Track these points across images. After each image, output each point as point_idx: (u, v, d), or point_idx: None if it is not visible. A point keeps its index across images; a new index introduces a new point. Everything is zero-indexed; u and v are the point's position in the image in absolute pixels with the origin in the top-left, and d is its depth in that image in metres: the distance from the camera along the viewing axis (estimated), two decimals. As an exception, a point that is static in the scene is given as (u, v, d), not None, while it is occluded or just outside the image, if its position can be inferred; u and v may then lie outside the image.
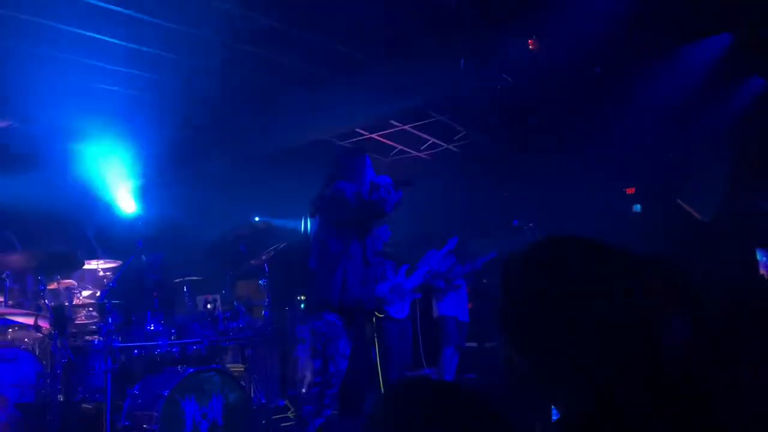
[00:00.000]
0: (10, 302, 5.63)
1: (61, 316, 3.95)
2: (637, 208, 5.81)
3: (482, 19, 4.62)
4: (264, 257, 5.06)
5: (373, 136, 7.10)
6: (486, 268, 6.06)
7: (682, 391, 1.02)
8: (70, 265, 4.55)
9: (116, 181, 7.71)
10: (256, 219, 6.73)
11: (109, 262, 4.97)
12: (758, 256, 5.92)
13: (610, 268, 1.07)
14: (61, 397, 4.14)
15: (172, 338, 4.32)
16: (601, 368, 1.03)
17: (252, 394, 4.85)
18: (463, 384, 1.20)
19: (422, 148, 7.55)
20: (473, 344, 6.79)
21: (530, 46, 4.56)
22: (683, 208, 6.22)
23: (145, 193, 7.18)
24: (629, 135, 5.76)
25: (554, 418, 1.14)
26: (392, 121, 6.68)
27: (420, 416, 1.15)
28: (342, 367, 3.50)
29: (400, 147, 7.58)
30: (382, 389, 5.06)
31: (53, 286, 6.05)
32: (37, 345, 5.69)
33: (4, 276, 5.55)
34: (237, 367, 5.48)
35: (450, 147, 7.44)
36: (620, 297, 1.04)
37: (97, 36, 4.76)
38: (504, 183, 6.79)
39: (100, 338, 4.03)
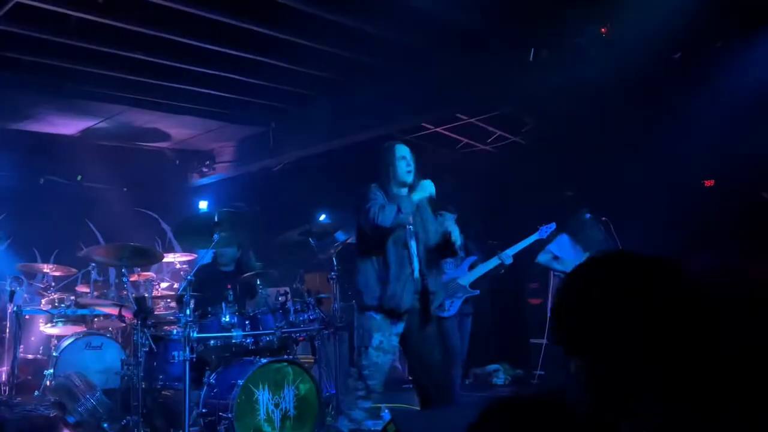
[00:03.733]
0: (95, 293, 5.98)
1: (143, 307, 4.13)
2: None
3: (553, 7, 4.51)
4: (332, 251, 5.13)
5: (438, 129, 7.06)
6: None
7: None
8: (150, 259, 4.76)
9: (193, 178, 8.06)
10: (322, 217, 6.83)
11: (186, 255, 5.17)
12: None
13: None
14: (143, 384, 4.34)
15: (247, 329, 4.44)
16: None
17: (321, 385, 4.95)
18: (560, 400, 1.18)
19: (489, 141, 7.45)
20: (540, 340, 6.68)
21: (603, 34, 4.41)
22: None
23: (220, 189, 7.46)
24: (709, 124, 5.49)
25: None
26: (458, 114, 6.62)
27: None
28: (378, 360, 3.48)
29: (466, 140, 7.51)
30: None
31: (134, 278, 6.38)
32: (120, 334, 6.02)
33: (90, 269, 5.90)
34: (307, 358, 5.59)
35: (517, 139, 7.31)
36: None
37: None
38: (574, 175, 6.59)
39: (179, 328, 4.18)
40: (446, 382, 3.65)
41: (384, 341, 3.51)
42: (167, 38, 4.74)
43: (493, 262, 5.33)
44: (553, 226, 5.42)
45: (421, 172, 3.70)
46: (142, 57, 4.95)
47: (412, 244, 3.58)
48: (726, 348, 1.07)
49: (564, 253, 5.55)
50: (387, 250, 3.52)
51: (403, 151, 3.63)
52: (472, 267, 5.40)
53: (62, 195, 7.20)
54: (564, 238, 5.62)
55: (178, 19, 4.52)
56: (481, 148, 7.62)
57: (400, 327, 3.56)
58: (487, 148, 7.60)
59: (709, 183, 6.65)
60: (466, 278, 5.33)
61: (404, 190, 3.60)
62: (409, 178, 3.57)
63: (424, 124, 6.82)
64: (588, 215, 5.42)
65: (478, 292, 5.33)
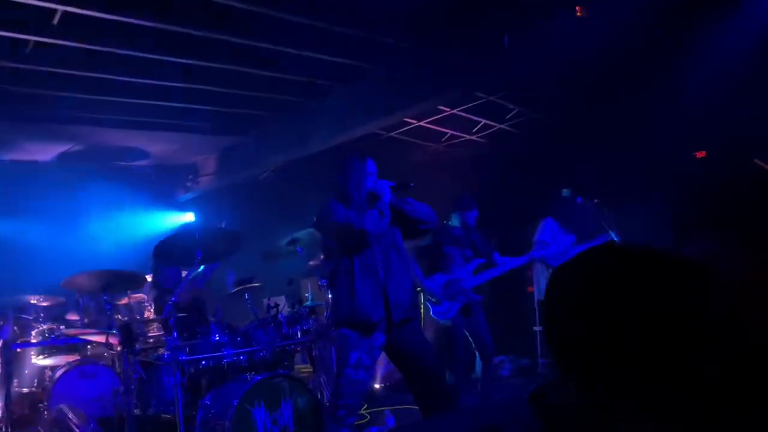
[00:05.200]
0: (85, 320, 5.86)
1: (128, 334, 4.02)
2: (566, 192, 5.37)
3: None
4: (322, 257, 5.03)
5: (422, 123, 6.94)
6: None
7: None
8: (134, 283, 4.64)
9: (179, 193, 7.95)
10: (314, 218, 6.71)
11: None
12: None
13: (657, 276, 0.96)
14: (137, 411, 4.23)
15: (238, 347, 4.34)
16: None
17: (321, 395, 4.85)
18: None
19: (474, 130, 7.33)
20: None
21: (578, 13, 4.28)
22: (762, 167, 5.77)
23: (201, 205, 7.35)
24: (696, 95, 5.38)
25: None
26: (440, 107, 6.50)
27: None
28: (356, 377, 3.39)
29: (452, 132, 7.39)
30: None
31: (124, 301, 6.26)
32: (116, 359, 5.91)
33: (77, 297, 5.79)
34: (305, 368, 5.49)
35: (504, 126, 7.19)
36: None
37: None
38: (565, 157, 6.46)
39: (168, 352, 4.07)
40: (441, 387, 3.55)
41: (362, 357, 3.40)
42: (136, 56, 4.62)
43: (500, 270, 5.16)
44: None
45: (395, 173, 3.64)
46: (110, 76, 4.82)
47: (378, 251, 3.49)
48: (727, 346, 0.95)
49: (554, 238, 5.43)
50: (353, 261, 3.44)
51: (371, 166, 3.60)
52: (477, 271, 5.18)
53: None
54: (550, 222, 5.51)
55: (146, 35, 4.40)
56: (467, 138, 7.51)
57: (379, 339, 3.46)
58: (474, 137, 7.48)
59: (700, 154, 6.57)
60: (470, 281, 5.13)
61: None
62: (375, 196, 3.51)
63: (407, 120, 6.70)
64: (570, 195, 5.25)
65: (481, 298, 5.10)
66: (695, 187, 5.69)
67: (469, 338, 5.01)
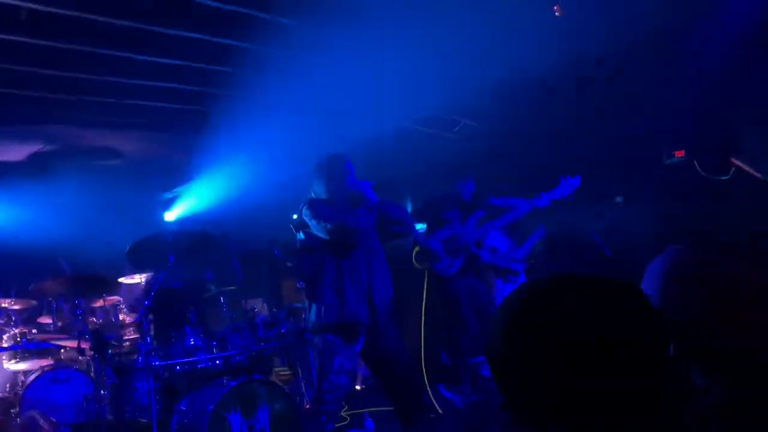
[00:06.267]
0: (58, 323, 5.74)
1: (100, 340, 3.94)
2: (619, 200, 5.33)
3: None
4: (298, 259, 4.96)
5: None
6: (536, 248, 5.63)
7: None
8: (106, 285, 4.55)
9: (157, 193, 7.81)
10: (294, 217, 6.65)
11: (144, 279, 4.96)
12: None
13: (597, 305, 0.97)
14: (110, 417, 4.15)
15: (214, 351, 4.27)
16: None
17: (301, 399, 4.79)
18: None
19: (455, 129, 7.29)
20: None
21: (556, 13, 4.25)
22: (739, 167, 5.80)
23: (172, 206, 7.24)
24: (675, 95, 5.39)
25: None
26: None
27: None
28: (338, 382, 3.37)
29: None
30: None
31: (99, 303, 6.14)
32: (91, 364, 5.80)
33: (51, 300, 5.66)
34: (284, 371, 5.43)
35: (473, 123, 7.12)
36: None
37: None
38: (541, 157, 6.44)
39: (141, 357, 4.00)
40: (415, 395, 3.52)
41: (344, 363, 3.36)
42: (105, 53, 4.51)
43: (518, 212, 4.97)
44: (578, 180, 5.01)
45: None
46: (78, 75, 4.71)
47: (361, 255, 3.45)
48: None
49: (499, 244, 5.41)
50: (339, 264, 3.39)
51: (350, 165, 3.59)
52: (480, 223, 5.08)
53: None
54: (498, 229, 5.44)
55: (119, 35, 4.30)
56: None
57: (361, 343, 3.42)
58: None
59: (679, 153, 6.59)
60: (473, 234, 5.01)
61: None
62: (357, 195, 3.47)
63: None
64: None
65: (481, 253, 5.06)
66: (673, 187, 5.71)
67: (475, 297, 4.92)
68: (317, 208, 3.43)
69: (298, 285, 5.02)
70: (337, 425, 3.66)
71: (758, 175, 5.39)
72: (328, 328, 3.43)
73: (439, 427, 4.34)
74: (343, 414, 5.29)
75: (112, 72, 4.76)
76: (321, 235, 3.45)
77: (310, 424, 3.64)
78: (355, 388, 6.08)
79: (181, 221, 6.48)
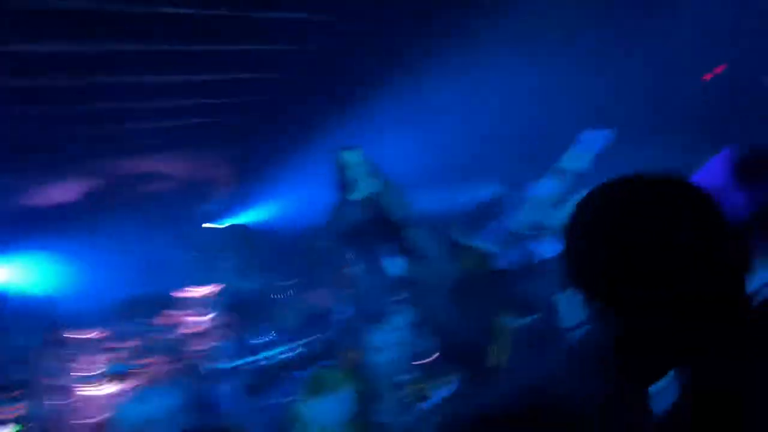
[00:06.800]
0: (128, 345, 5.99)
1: (179, 352, 4.11)
2: None
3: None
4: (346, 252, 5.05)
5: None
6: None
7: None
8: (158, 303, 4.73)
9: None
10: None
11: (206, 287, 5.13)
12: None
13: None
14: (202, 424, 4.32)
15: (288, 344, 4.42)
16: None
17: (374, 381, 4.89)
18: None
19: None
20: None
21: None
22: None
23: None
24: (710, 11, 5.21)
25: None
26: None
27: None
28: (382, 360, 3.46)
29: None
30: None
31: (162, 320, 6.37)
32: (170, 378, 6.02)
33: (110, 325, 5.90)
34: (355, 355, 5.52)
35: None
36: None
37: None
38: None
39: (220, 361, 4.16)
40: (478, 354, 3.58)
41: (387, 338, 3.47)
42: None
43: None
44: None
45: None
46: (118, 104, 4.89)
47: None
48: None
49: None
50: (373, 254, 3.50)
51: (362, 156, 3.65)
52: None
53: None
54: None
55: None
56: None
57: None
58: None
59: (708, 77, 6.43)
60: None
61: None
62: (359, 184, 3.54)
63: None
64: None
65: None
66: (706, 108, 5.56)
67: None
68: (341, 212, 3.58)
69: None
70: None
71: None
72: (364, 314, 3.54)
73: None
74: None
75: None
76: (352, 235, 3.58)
77: (386, 402, 3.71)
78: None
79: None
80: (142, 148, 5.87)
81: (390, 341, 3.47)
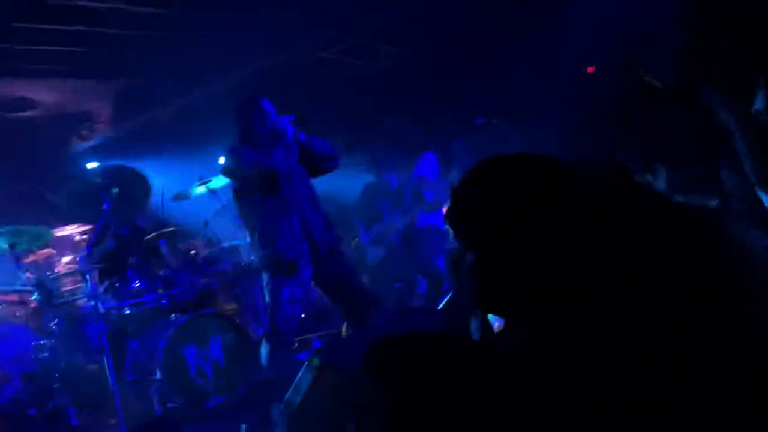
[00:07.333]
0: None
1: (43, 289, 3.97)
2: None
3: None
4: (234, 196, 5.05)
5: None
6: None
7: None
8: (40, 237, 4.51)
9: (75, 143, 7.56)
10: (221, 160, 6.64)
11: (83, 226, 4.94)
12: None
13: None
14: (62, 364, 4.23)
15: (159, 292, 4.37)
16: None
17: (249, 329, 4.99)
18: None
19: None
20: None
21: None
22: (648, 81, 6.17)
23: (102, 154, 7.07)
24: (585, 12, 5.58)
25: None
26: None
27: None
28: (291, 312, 3.53)
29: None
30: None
31: (32, 258, 6.04)
32: (30, 317, 5.75)
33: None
34: (231, 306, 5.58)
35: (404, 50, 7.19)
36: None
37: None
38: (460, 81, 6.58)
39: (88, 303, 4.07)
40: (369, 304, 3.74)
41: (294, 292, 3.53)
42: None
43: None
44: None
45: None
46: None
47: (290, 191, 3.56)
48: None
49: (429, 174, 5.71)
50: (270, 202, 3.51)
51: (267, 106, 3.61)
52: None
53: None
54: (431, 158, 5.75)
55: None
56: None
57: (307, 272, 3.59)
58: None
59: (590, 69, 6.88)
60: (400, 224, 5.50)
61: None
62: (277, 134, 3.55)
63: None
64: (479, 120, 5.50)
65: None
66: (585, 101, 6.01)
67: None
68: (235, 153, 3.53)
69: (236, 222, 5.11)
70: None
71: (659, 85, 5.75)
72: (268, 263, 3.59)
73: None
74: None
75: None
76: (242, 181, 3.56)
77: (258, 352, 3.83)
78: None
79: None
80: (16, 72, 5.43)
81: (297, 295, 3.55)
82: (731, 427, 1.02)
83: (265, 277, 3.64)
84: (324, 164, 3.74)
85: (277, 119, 3.55)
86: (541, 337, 1.13)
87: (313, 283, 3.68)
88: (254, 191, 3.54)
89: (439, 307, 3.15)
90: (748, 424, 1.01)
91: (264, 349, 3.63)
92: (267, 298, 3.62)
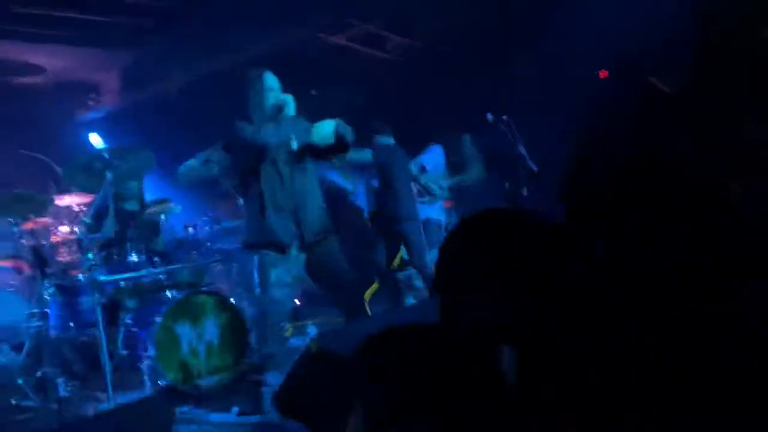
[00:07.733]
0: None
1: (40, 257, 3.93)
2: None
3: None
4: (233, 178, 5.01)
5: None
6: None
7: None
8: (40, 204, 4.46)
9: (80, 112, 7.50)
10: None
11: (84, 197, 4.89)
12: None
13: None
14: (54, 334, 4.19)
15: (156, 266, 4.32)
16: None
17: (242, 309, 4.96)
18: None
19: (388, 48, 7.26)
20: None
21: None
22: (656, 85, 6.13)
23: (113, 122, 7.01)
24: (600, 16, 5.56)
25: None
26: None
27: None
28: (278, 296, 3.47)
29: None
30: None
31: (29, 226, 6.00)
32: (24, 286, 5.72)
33: (-25, 221, 5.47)
34: (226, 285, 5.55)
35: (414, 42, 7.14)
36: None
37: None
38: (474, 78, 6.56)
39: (84, 273, 4.02)
40: (359, 296, 3.72)
41: (282, 276, 3.49)
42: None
43: None
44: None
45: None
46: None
47: (283, 172, 3.50)
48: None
49: (433, 167, 5.68)
50: (262, 183, 3.46)
51: (271, 81, 3.52)
52: None
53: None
54: (437, 150, 5.71)
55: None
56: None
57: (297, 258, 3.54)
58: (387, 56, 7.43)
59: (603, 74, 6.85)
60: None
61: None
62: (276, 109, 3.47)
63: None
64: (488, 115, 5.45)
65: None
66: (596, 105, 5.98)
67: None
68: (235, 130, 3.48)
69: (238, 204, 5.07)
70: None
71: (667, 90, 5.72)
72: (255, 244, 3.55)
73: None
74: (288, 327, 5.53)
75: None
76: (239, 156, 3.52)
77: (252, 333, 3.79)
78: (295, 302, 6.32)
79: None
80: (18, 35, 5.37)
81: (285, 279, 3.51)
82: (731, 427, 1.02)
83: (255, 256, 3.60)
84: (329, 147, 3.65)
85: (279, 96, 3.48)
86: (541, 337, 1.10)
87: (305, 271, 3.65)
88: (249, 169, 3.48)
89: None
90: (748, 424, 1.01)
91: (254, 332, 3.60)
92: (256, 278, 3.58)
